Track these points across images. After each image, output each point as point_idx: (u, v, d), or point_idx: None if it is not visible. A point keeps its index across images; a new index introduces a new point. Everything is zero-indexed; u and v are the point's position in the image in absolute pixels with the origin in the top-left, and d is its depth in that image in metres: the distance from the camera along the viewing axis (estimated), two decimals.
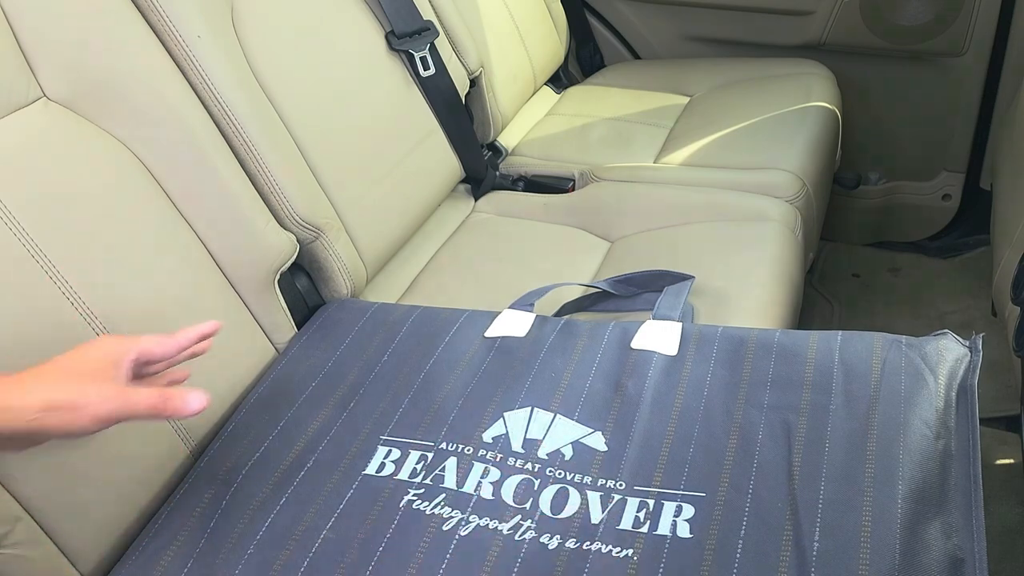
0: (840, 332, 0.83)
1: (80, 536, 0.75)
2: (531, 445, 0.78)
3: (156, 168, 0.89)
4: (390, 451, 0.80)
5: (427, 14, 1.32)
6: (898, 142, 1.88)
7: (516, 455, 0.77)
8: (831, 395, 0.77)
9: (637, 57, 1.98)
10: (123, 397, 0.63)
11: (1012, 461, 1.35)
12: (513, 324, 0.92)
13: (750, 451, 0.74)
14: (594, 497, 0.73)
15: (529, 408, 0.82)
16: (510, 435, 0.79)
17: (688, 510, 0.71)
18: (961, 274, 1.84)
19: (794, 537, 0.66)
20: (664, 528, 0.69)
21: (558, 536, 0.70)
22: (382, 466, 0.79)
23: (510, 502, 0.73)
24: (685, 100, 1.70)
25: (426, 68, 1.29)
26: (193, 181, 0.91)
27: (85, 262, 0.79)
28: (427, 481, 0.76)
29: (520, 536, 0.70)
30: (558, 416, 0.81)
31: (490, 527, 0.71)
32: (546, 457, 0.77)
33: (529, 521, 0.72)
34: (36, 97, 0.83)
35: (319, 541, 0.72)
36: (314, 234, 1.03)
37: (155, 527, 0.77)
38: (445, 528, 0.71)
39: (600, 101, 1.73)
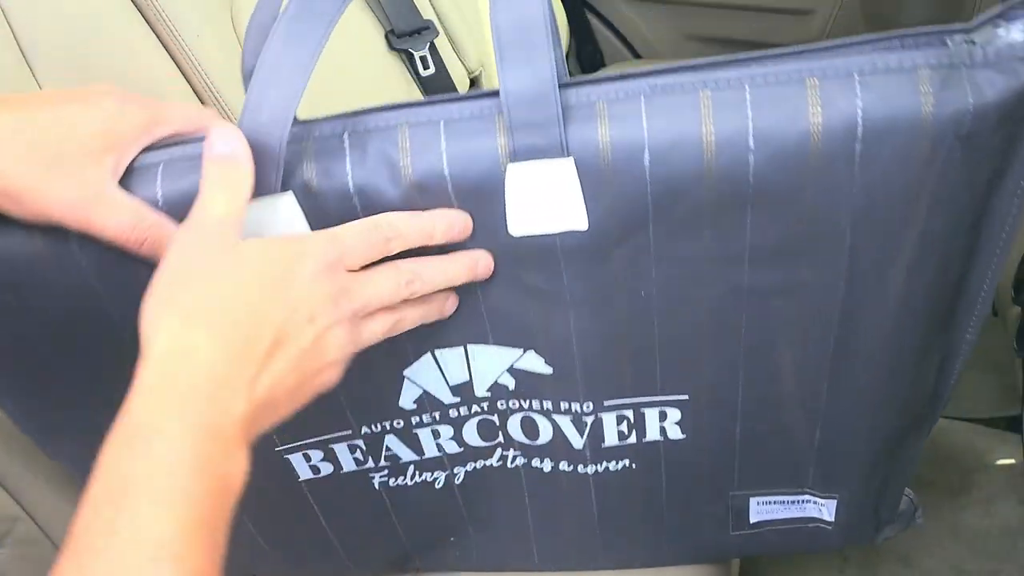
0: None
1: None
2: (462, 388, 0.59)
3: None
4: (308, 455, 0.62)
5: (427, 13, 1.32)
6: None
7: (453, 404, 0.59)
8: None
9: (638, 57, 1.98)
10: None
11: (1012, 461, 1.35)
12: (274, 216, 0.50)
13: (731, 344, 0.55)
14: (564, 421, 0.59)
15: (428, 356, 0.56)
16: (430, 391, 0.59)
17: (674, 413, 0.58)
18: None
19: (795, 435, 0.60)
20: (653, 434, 0.60)
21: (548, 459, 0.62)
22: (316, 471, 0.63)
23: (482, 443, 0.61)
24: None
25: (426, 68, 1.29)
26: None
27: None
28: (383, 463, 0.62)
29: (512, 464, 0.63)
30: (469, 347, 0.56)
31: (479, 467, 0.63)
32: (488, 394, 0.59)
33: (511, 450, 0.62)
34: None
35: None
36: None
37: None
38: (439, 487, 0.64)
39: None
